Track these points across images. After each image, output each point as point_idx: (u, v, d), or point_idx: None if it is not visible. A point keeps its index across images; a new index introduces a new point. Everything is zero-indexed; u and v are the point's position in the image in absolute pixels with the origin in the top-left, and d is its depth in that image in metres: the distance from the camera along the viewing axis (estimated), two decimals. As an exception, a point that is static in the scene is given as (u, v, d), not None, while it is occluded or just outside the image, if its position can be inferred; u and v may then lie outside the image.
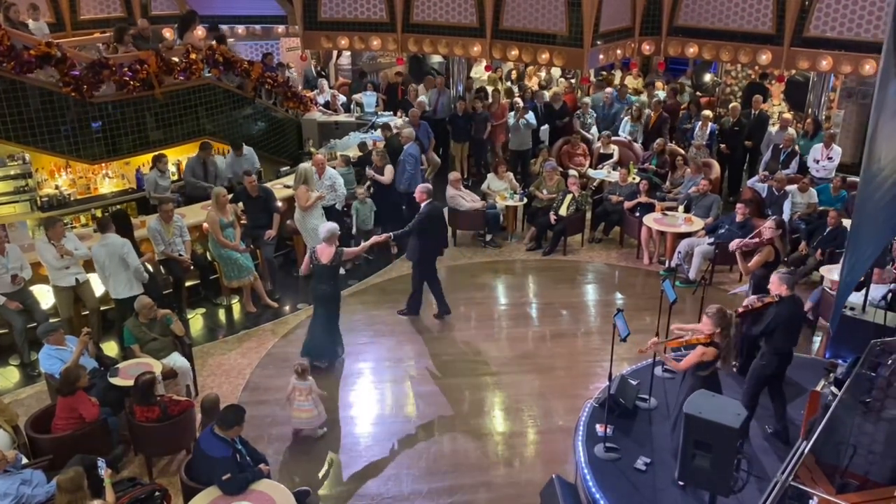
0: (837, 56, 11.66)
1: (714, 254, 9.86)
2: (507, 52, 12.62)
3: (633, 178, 11.87)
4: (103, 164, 10.88)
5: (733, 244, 9.18)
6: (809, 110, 13.53)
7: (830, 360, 7.14)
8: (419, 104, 13.68)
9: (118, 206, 10.42)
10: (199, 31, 13.03)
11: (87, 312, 8.77)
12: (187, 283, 9.68)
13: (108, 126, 10.61)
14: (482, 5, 12.38)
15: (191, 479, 5.83)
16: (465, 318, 9.53)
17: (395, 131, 12.29)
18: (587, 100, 14.77)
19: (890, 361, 5.66)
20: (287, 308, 9.85)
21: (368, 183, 11.20)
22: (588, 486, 6.32)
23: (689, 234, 10.53)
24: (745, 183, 12.91)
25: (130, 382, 6.73)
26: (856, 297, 7.61)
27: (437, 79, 14.67)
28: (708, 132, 13.22)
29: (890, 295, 7.83)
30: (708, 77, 17.48)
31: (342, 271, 10.69)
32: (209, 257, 9.79)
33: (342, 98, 15.06)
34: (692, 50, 13.05)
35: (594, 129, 14.11)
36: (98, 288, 8.75)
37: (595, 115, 14.40)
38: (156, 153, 10.83)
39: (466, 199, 11.40)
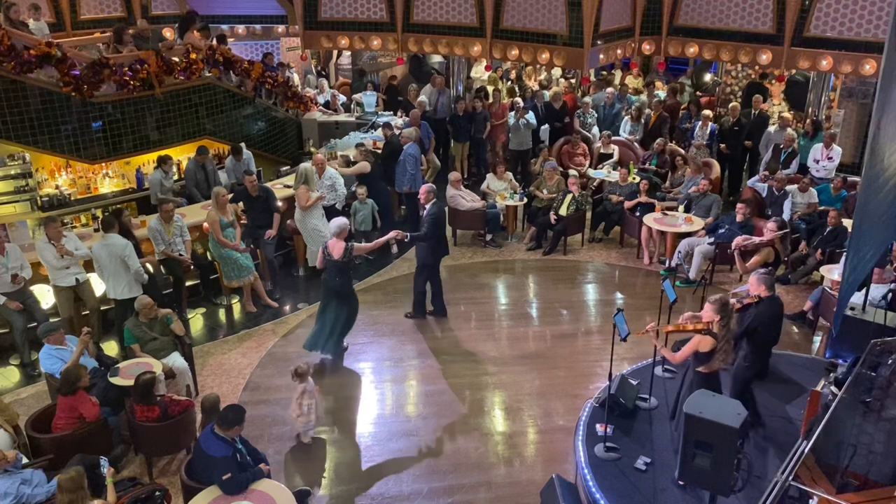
0: (837, 56, 11.67)
1: (714, 253, 9.88)
2: (507, 51, 12.62)
3: (634, 178, 11.88)
4: (103, 164, 10.87)
5: (735, 242, 9.20)
6: (810, 110, 13.54)
7: (831, 359, 7.14)
8: (419, 104, 13.68)
9: (116, 206, 10.40)
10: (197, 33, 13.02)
11: (88, 312, 8.78)
12: (187, 283, 9.68)
13: (109, 126, 10.61)
14: (482, 5, 12.39)
15: (191, 479, 5.83)
16: (466, 317, 9.52)
17: (396, 131, 12.29)
18: (588, 99, 14.77)
19: (890, 361, 5.66)
20: (287, 308, 9.85)
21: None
22: (588, 485, 6.33)
23: (689, 234, 10.54)
24: (745, 183, 12.92)
25: (131, 382, 6.74)
26: (856, 297, 7.61)
27: (438, 78, 14.67)
28: (708, 132, 13.22)
29: (890, 295, 7.84)
30: (708, 77, 17.50)
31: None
32: (209, 257, 9.79)
33: (342, 98, 15.06)
34: (692, 50, 13.05)
35: (595, 129, 14.11)
36: (98, 288, 8.75)
37: (596, 115, 14.40)
38: (161, 154, 10.82)
39: (466, 199, 11.41)
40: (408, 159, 11.40)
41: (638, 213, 11.22)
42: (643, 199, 11.31)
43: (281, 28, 15.69)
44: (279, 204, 10.12)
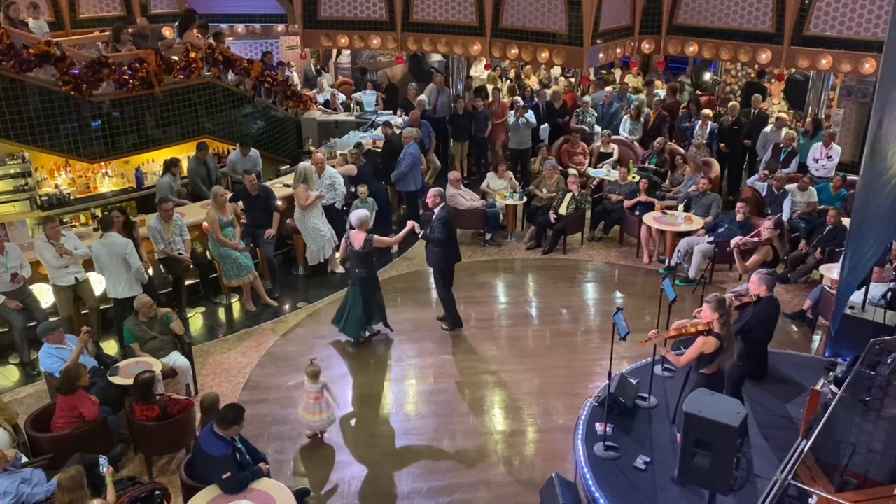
0: (837, 55, 11.67)
1: (714, 252, 9.88)
2: (506, 50, 12.62)
3: (633, 177, 11.88)
4: (103, 163, 10.87)
5: (733, 242, 9.20)
6: (809, 109, 13.54)
7: (830, 358, 7.14)
8: (419, 103, 13.68)
9: (116, 206, 10.39)
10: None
11: (87, 311, 8.77)
12: (187, 282, 9.68)
13: (108, 125, 10.61)
14: (482, 4, 12.37)
15: (191, 478, 5.83)
16: (465, 316, 9.50)
17: (395, 130, 12.29)
18: (587, 98, 14.77)
19: (889, 360, 5.66)
20: (287, 307, 9.85)
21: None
22: (588, 484, 6.33)
23: (688, 233, 10.54)
24: (744, 182, 12.92)
25: (130, 381, 6.74)
26: (855, 296, 7.61)
27: (438, 77, 14.68)
28: (708, 131, 13.22)
29: (889, 293, 7.83)
30: (707, 76, 17.50)
31: (342, 270, 10.74)
32: (209, 256, 9.79)
33: (342, 97, 15.05)
34: (692, 49, 13.05)
35: (597, 128, 14.10)
36: (98, 287, 8.75)
37: (595, 114, 14.39)
38: (169, 158, 10.84)
39: (466, 198, 11.41)
40: (405, 157, 11.39)
41: (637, 212, 11.22)
42: (643, 198, 11.31)
43: (280, 27, 15.68)
44: (278, 203, 10.12)
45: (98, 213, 10.33)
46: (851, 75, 12.54)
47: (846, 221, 9.64)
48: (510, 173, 12.21)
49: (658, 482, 6.30)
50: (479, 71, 16.48)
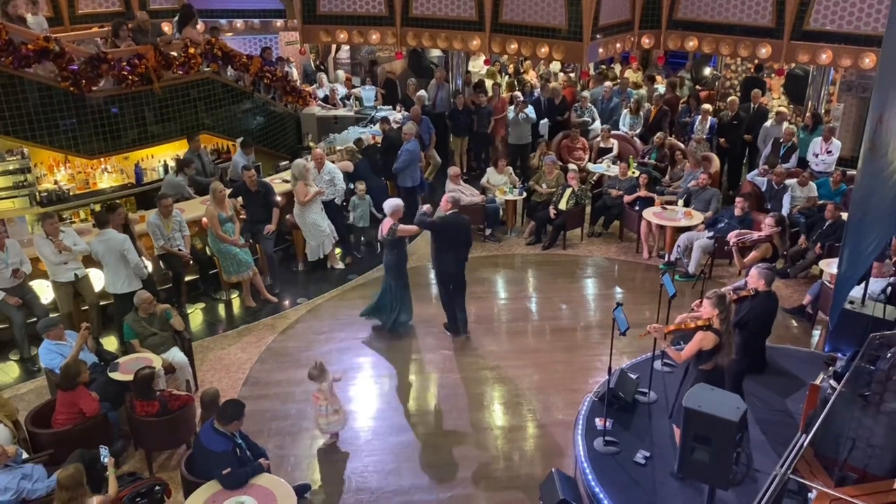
0: (837, 49, 11.65)
1: (713, 248, 9.88)
2: (506, 45, 12.60)
3: (633, 172, 11.87)
4: (102, 159, 10.86)
5: (731, 235, 9.20)
6: (809, 104, 13.52)
7: (830, 353, 7.15)
8: (418, 98, 13.67)
9: (113, 202, 10.38)
10: (198, 26, 12.99)
11: (87, 307, 8.78)
12: (187, 278, 9.68)
13: (107, 121, 10.59)
14: (481, -1, 12.37)
15: (191, 474, 5.84)
16: (465, 312, 9.52)
17: (394, 125, 12.27)
18: (586, 94, 14.75)
19: (889, 355, 5.67)
20: (287, 303, 9.86)
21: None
22: (587, 479, 6.33)
23: (688, 228, 10.54)
24: (744, 177, 12.91)
25: (130, 377, 6.75)
26: (855, 291, 7.62)
27: (438, 72, 14.66)
28: (707, 126, 13.21)
29: (889, 288, 7.83)
30: (707, 71, 17.47)
31: (342, 266, 10.75)
32: (208, 252, 9.79)
33: (341, 92, 15.03)
34: (692, 43, 13.02)
35: (597, 124, 14.09)
36: (97, 283, 8.75)
37: (594, 109, 14.38)
38: (182, 158, 10.84)
39: (466, 194, 11.39)
40: (402, 154, 11.38)
41: (637, 208, 11.21)
42: (642, 193, 11.30)
43: (279, 22, 15.64)
44: (278, 199, 10.11)
45: (98, 208, 10.32)
46: (851, 70, 12.52)
47: (845, 216, 9.64)
48: (510, 168, 12.20)
49: (658, 477, 6.31)
50: (477, 66, 16.44)
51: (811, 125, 12.67)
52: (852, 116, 13.22)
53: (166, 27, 13.48)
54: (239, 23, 15.44)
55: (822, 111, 13.41)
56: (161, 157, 11.41)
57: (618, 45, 12.97)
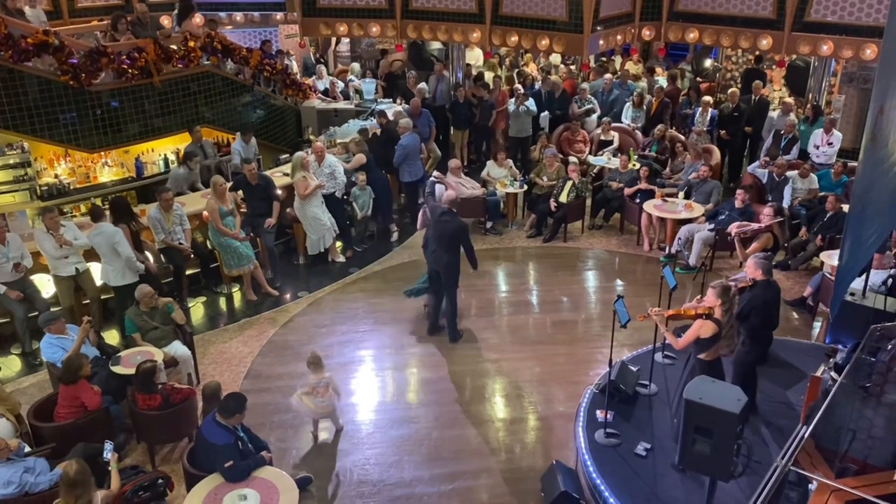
0: (838, 40, 11.62)
1: (714, 240, 9.87)
2: (506, 38, 12.56)
3: (634, 165, 11.86)
4: (102, 153, 10.85)
5: (732, 227, 9.20)
6: (810, 95, 13.50)
7: (830, 345, 7.15)
8: (419, 91, 13.64)
9: (118, 194, 10.38)
10: (198, 19, 12.97)
11: (88, 301, 8.79)
12: (188, 272, 9.69)
13: (107, 114, 10.58)
14: (482, -9, 12.33)
15: (193, 467, 5.86)
16: (466, 305, 9.52)
17: (391, 119, 12.25)
18: (585, 86, 14.72)
19: (890, 346, 5.68)
20: (287, 296, 9.86)
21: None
22: (588, 471, 6.35)
23: (689, 221, 10.53)
24: (745, 169, 12.89)
25: (132, 371, 6.76)
26: (856, 283, 7.61)
27: (437, 65, 14.62)
28: (708, 118, 13.18)
29: (890, 280, 7.84)
30: (708, 62, 17.43)
31: (342, 259, 10.75)
32: (209, 246, 9.79)
33: (341, 85, 15.00)
34: (692, 35, 12.99)
35: (594, 116, 14.06)
36: (98, 277, 8.76)
37: (595, 101, 14.35)
38: (185, 151, 10.85)
39: (467, 187, 11.39)
40: (398, 149, 11.35)
41: (638, 200, 11.20)
42: (643, 185, 11.29)
43: (279, 15, 15.60)
44: (278, 192, 10.10)
45: (98, 202, 10.31)
46: (853, 61, 12.50)
47: (846, 208, 9.63)
48: (510, 161, 12.19)
49: (659, 469, 6.33)
50: (474, 58, 16.38)
51: (812, 117, 12.65)
52: (853, 108, 13.19)
53: (165, 20, 13.44)
54: (238, 16, 15.40)
55: (824, 103, 13.39)
56: (161, 151, 11.40)
57: (618, 37, 12.93)
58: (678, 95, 14.51)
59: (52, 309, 8.21)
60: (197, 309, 9.62)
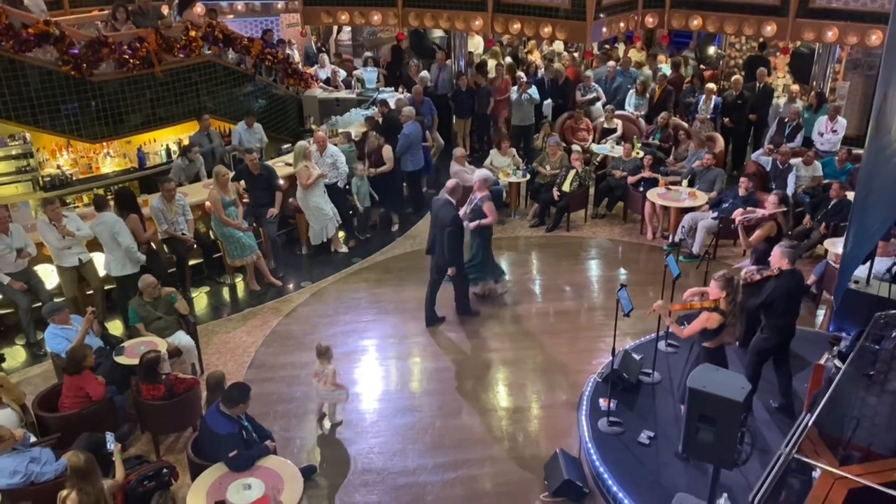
0: (843, 27, 11.53)
1: (718, 228, 9.85)
2: (509, 25, 12.49)
3: (637, 153, 11.81)
4: (104, 144, 10.84)
5: (736, 214, 9.16)
6: (814, 83, 13.42)
7: (834, 333, 7.15)
8: (421, 80, 13.58)
9: (123, 185, 10.38)
10: (199, 8, 12.92)
11: (92, 292, 8.80)
12: (191, 262, 9.70)
13: (109, 105, 10.57)
14: (484, -22, 12.24)
15: (198, 456, 5.88)
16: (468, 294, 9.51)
17: (393, 108, 12.21)
18: (590, 73, 14.65)
19: (894, 334, 5.66)
20: (291, 286, 9.86)
21: (368, 164, 11.06)
22: (592, 459, 6.37)
23: (692, 209, 10.50)
24: (749, 157, 12.84)
25: (136, 361, 6.77)
26: (860, 271, 7.60)
27: (439, 54, 14.56)
28: (712, 106, 13.12)
29: (894, 268, 7.81)
30: (712, 50, 17.33)
31: (345, 249, 10.75)
32: (212, 236, 9.79)
33: (343, 74, 14.96)
34: (696, 22, 12.90)
35: (598, 104, 14.00)
36: (101, 267, 8.77)
37: (599, 88, 14.29)
38: (190, 140, 10.82)
39: (470, 175, 11.34)
40: (401, 138, 11.32)
41: (641, 189, 11.17)
42: (647, 174, 11.25)
43: (280, 4, 15.56)
44: (281, 182, 10.09)
45: (101, 193, 10.31)
46: (857, 48, 12.41)
47: (851, 195, 9.59)
48: (513, 150, 12.14)
49: (662, 457, 6.34)
50: (475, 45, 16.31)
51: (815, 104, 12.58)
52: (858, 95, 13.10)
53: (165, 10, 13.38)
54: (239, 5, 15.35)
55: (828, 90, 13.31)
56: (164, 141, 11.40)
57: (621, 25, 12.85)
58: (682, 83, 14.43)
59: (55, 299, 8.21)
60: (200, 299, 9.64)
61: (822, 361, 6.29)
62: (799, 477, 5.22)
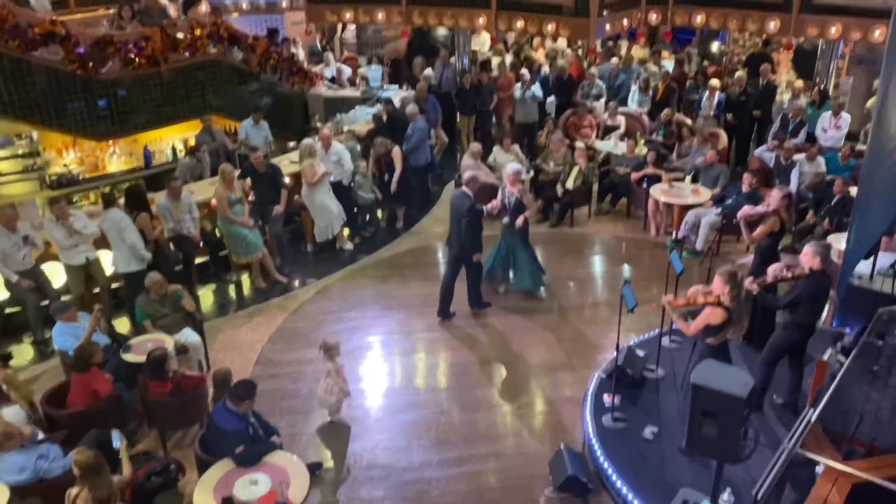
0: (847, 22, 11.51)
1: (721, 224, 9.85)
2: (512, 22, 12.48)
3: (641, 150, 11.81)
4: (110, 142, 10.89)
5: (741, 213, 9.15)
6: (817, 79, 13.40)
7: (838, 329, 7.16)
8: (425, 78, 13.60)
9: (132, 183, 10.42)
10: (204, 7, 12.96)
11: (99, 290, 8.85)
12: (197, 260, 9.74)
13: (115, 104, 10.61)
14: (487, -24, 12.24)
15: (205, 453, 5.92)
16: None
17: (398, 105, 12.23)
18: (594, 70, 14.66)
19: (897, 330, 5.68)
20: (296, 283, 9.91)
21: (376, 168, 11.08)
22: (596, 455, 6.40)
23: (696, 205, 10.50)
24: (752, 153, 12.84)
25: (143, 358, 6.81)
26: (863, 266, 7.61)
27: (443, 52, 14.57)
28: (715, 102, 13.11)
29: (898, 263, 7.82)
30: (715, 46, 17.31)
31: (350, 246, 10.78)
32: (218, 234, 9.83)
33: (348, 72, 14.97)
34: (699, 19, 12.88)
35: (598, 103, 14.00)
36: (109, 265, 8.82)
37: (602, 86, 14.30)
38: (192, 145, 10.87)
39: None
40: (415, 132, 11.36)
41: (645, 185, 11.18)
42: (650, 170, 11.26)
43: (285, 2, 15.56)
44: (286, 180, 10.13)
45: (108, 191, 10.36)
46: (861, 43, 12.38)
47: (854, 192, 9.59)
48: (516, 147, 12.14)
49: (666, 452, 6.36)
50: (480, 43, 16.30)
51: (818, 100, 12.57)
52: (862, 91, 13.09)
53: (171, 9, 13.42)
54: (244, 3, 15.37)
55: (832, 86, 13.29)
56: (170, 140, 11.44)
57: (624, 22, 12.85)
58: (685, 80, 14.42)
59: (63, 298, 8.28)
60: (206, 296, 9.68)
61: (825, 357, 6.30)
62: (802, 472, 5.25)
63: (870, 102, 12.55)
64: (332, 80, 14.46)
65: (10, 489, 5.47)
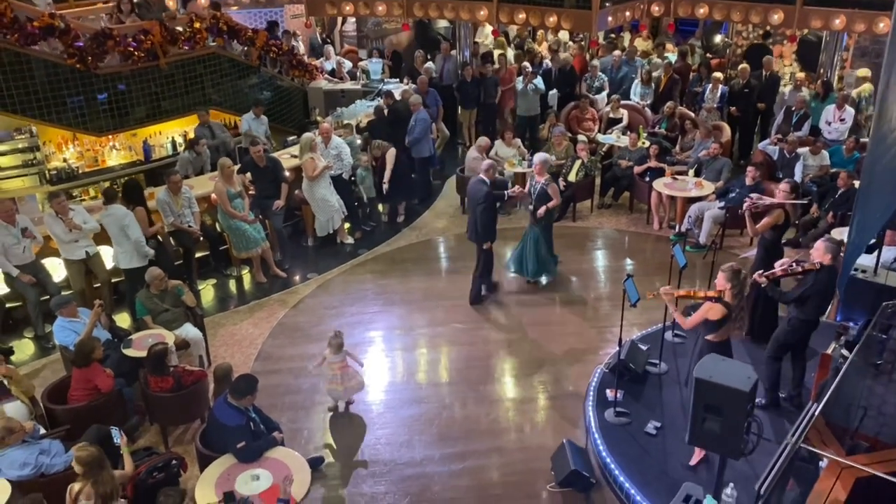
0: (851, 14, 11.44)
1: (724, 218, 9.81)
2: (514, 15, 12.42)
3: (643, 143, 11.76)
4: (110, 136, 10.85)
5: (749, 202, 9.11)
6: (821, 71, 13.33)
7: (841, 322, 7.12)
8: (426, 70, 13.54)
9: (129, 178, 10.39)
10: (203, 0, 12.90)
11: (99, 285, 8.84)
12: (197, 255, 9.72)
13: (114, 98, 10.56)
14: (488, -32, 12.16)
15: (206, 448, 5.91)
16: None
17: (399, 98, 12.18)
18: (596, 62, 14.59)
19: (902, 323, 5.64)
20: (297, 278, 9.89)
21: (374, 154, 11.04)
22: (599, 450, 6.39)
23: (699, 199, 10.46)
24: (756, 146, 12.78)
25: (144, 353, 6.80)
26: (868, 260, 7.57)
27: (444, 44, 14.50)
28: (718, 94, 13.05)
29: (903, 257, 7.78)
30: (718, 38, 17.23)
31: (351, 240, 10.76)
32: (218, 228, 9.81)
33: (348, 65, 14.93)
34: (702, 10, 12.81)
35: (601, 95, 13.95)
36: (109, 260, 8.80)
37: (605, 78, 14.24)
38: (191, 138, 10.82)
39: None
40: (418, 123, 11.31)
41: (647, 178, 11.13)
42: (653, 163, 11.21)
43: (285, -5, 15.49)
44: (286, 174, 10.09)
45: (107, 186, 10.33)
46: (865, 35, 12.31)
47: (858, 184, 9.55)
48: (518, 140, 12.10)
49: (669, 447, 6.35)
50: (484, 36, 16.22)
51: (822, 93, 12.50)
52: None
53: (170, 2, 13.37)
54: (244, -4, 15.28)
55: (836, 78, 13.21)
56: (169, 134, 11.39)
57: (627, 13, 12.78)
58: (688, 72, 14.36)
59: (63, 293, 8.27)
60: (207, 291, 9.67)
61: (828, 351, 6.27)
62: (806, 466, 5.23)
63: (854, 92, 12.50)
64: (332, 73, 14.42)
65: (11, 484, 5.47)
